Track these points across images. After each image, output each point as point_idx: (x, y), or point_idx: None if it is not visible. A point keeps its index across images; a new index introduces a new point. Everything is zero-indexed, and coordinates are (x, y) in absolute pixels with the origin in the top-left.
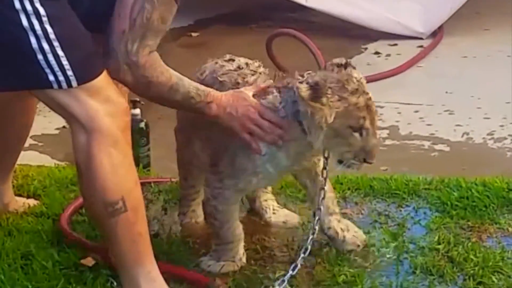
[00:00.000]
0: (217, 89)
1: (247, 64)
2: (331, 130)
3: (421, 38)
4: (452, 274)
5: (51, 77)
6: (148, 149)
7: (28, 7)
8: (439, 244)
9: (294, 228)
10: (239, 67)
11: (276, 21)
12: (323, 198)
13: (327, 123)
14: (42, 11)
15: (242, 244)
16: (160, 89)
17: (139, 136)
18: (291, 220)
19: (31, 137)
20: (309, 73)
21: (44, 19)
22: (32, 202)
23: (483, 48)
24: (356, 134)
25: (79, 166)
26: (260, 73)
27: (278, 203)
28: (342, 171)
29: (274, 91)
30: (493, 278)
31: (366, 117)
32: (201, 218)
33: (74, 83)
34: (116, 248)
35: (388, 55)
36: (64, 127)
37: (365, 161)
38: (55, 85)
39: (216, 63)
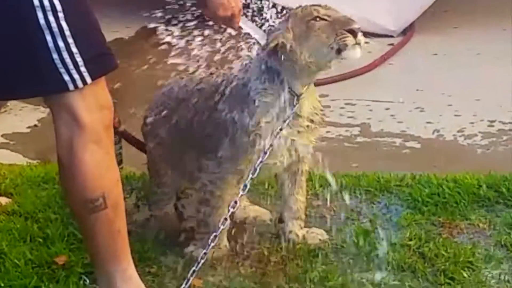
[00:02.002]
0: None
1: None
2: (299, 39)
3: (392, 36)
4: (424, 269)
5: (66, 77)
6: (121, 147)
7: (46, 2)
8: (411, 240)
9: (266, 224)
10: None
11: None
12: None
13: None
14: (58, 6)
15: (226, 231)
16: None
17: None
18: (262, 217)
19: (2, 136)
20: None
21: (60, 15)
22: (4, 200)
23: (453, 46)
24: (319, 22)
25: (61, 161)
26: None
27: (249, 200)
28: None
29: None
30: (464, 274)
31: (316, 8)
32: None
33: (88, 79)
34: (93, 244)
35: None
36: (35, 125)
37: (349, 31)
38: (70, 85)
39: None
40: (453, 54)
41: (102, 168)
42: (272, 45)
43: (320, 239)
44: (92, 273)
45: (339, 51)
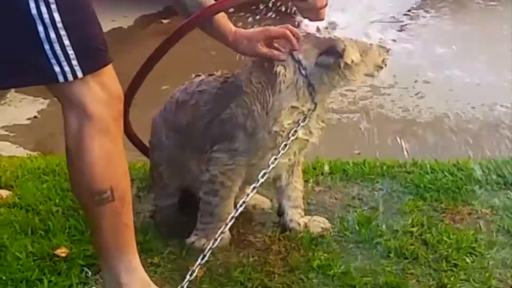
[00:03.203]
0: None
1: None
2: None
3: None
4: (426, 256)
5: (57, 68)
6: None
7: None
8: (413, 227)
9: (266, 213)
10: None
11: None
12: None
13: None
14: None
15: None
16: None
17: None
18: (262, 205)
19: (2, 128)
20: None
21: (53, 6)
22: (4, 192)
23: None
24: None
25: (69, 152)
26: None
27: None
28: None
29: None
30: (467, 260)
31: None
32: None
33: (79, 73)
34: (100, 236)
35: None
36: (35, 117)
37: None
38: (60, 77)
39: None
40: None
41: (111, 160)
42: (347, 60)
43: (322, 227)
44: (94, 265)
45: (378, 70)
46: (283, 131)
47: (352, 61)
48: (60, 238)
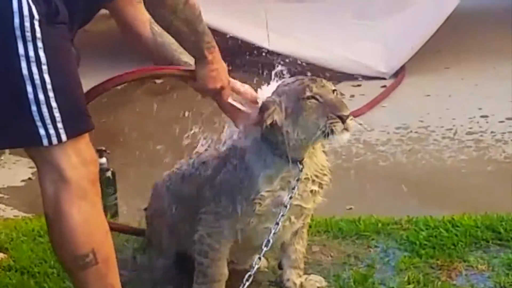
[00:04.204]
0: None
1: None
2: (291, 117)
3: (384, 78)
4: None
5: (42, 131)
6: (116, 198)
7: (31, 53)
8: (409, 284)
9: (262, 271)
10: None
11: (238, 66)
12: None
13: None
14: (43, 58)
15: (224, 282)
16: (192, 11)
17: (106, 185)
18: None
19: None
20: None
21: (44, 67)
22: None
23: (445, 86)
24: (311, 101)
25: (48, 218)
26: None
27: None
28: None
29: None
30: None
31: (310, 85)
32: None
33: (63, 137)
34: None
35: (352, 96)
36: (29, 178)
37: (339, 117)
38: (45, 140)
39: None
40: (445, 95)
41: (91, 223)
42: (267, 123)
43: (318, 286)
44: None
45: (327, 135)
46: (259, 199)
47: (275, 123)
48: None
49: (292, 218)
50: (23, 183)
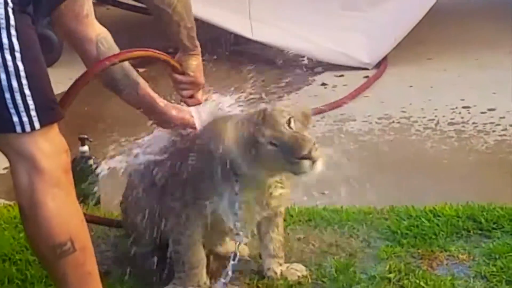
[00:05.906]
0: None
1: None
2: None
3: (366, 69)
4: None
5: (15, 118)
6: (97, 187)
7: (5, 40)
8: (390, 273)
9: (245, 260)
10: None
11: (221, 55)
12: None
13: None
14: (17, 46)
15: (205, 268)
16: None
17: (88, 173)
18: (241, 252)
19: None
20: None
21: (18, 55)
22: None
23: (428, 77)
24: (267, 148)
25: (23, 209)
26: None
27: None
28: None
29: None
30: None
31: (260, 130)
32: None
33: (37, 124)
34: None
35: (335, 86)
36: None
37: (302, 157)
38: (18, 128)
39: None
40: (427, 86)
41: (66, 212)
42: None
43: (299, 275)
44: None
45: (297, 174)
46: (216, 205)
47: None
48: None
49: (257, 215)
50: (5, 171)
